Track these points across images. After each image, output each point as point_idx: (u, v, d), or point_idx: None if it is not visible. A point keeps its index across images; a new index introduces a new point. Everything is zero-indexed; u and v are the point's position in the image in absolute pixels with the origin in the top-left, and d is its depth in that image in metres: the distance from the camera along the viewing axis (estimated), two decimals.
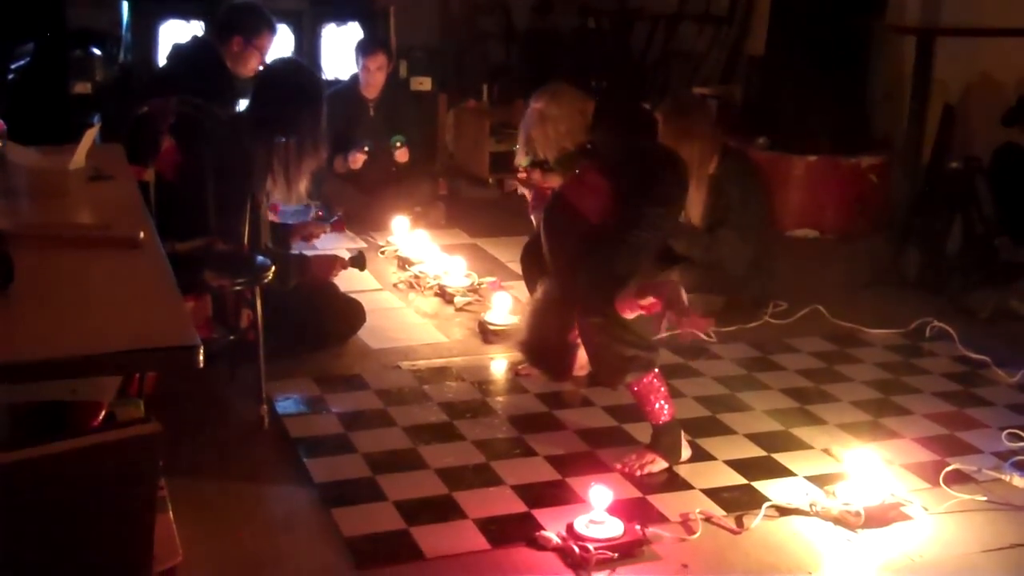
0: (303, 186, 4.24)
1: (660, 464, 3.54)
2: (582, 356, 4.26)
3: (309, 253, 4.71)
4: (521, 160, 3.82)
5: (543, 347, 3.82)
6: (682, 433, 3.61)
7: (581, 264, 3.54)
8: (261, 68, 4.86)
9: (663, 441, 3.56)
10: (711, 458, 3.65)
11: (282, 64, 4.58)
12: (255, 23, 4.99)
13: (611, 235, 3.49)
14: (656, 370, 3.52)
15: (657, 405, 3.54)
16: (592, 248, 3.51)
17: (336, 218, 5.48)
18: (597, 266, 3.50)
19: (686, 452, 3.61)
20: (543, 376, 4.12)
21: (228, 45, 4.96)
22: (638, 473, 3.50)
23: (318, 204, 6.09)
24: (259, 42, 4.99)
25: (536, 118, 3.68)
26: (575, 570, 2.97)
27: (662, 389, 3.55)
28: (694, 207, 4.97)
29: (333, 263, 4.55)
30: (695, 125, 4.93)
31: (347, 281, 5.05)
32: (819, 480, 3.50)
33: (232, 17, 5.04)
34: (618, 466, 3.55)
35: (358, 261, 4.72)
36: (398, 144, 6.40)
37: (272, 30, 5.07)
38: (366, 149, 6.30)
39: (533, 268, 4.12)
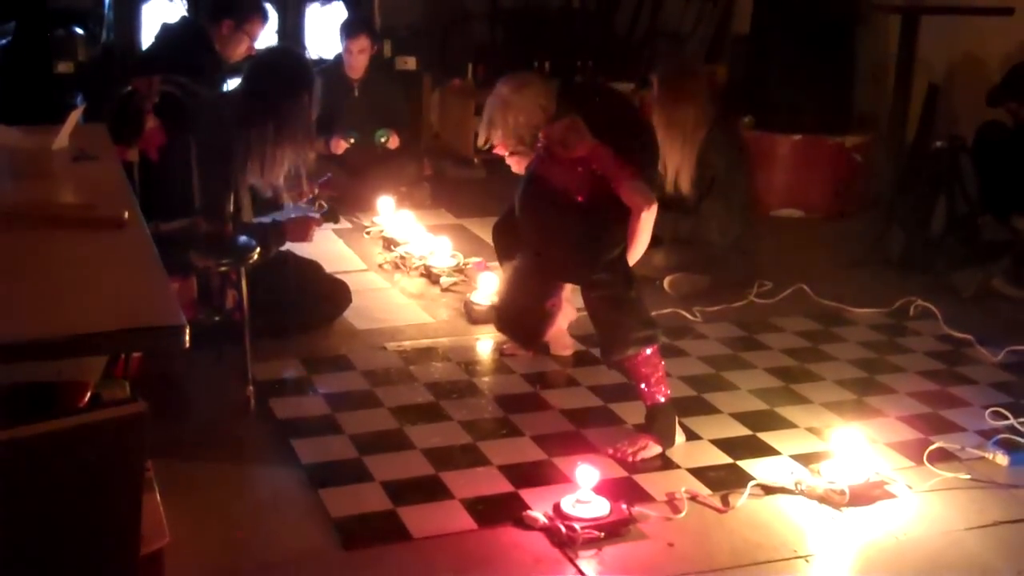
0: (280, 174, 4.22)
1: (654, 449, 3.51)
2: (566, 337, 4.28)
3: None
4: (481, 142, 3.81)
5: (515, 313, 3.86)
6: (676, 418, 3.59)
7: (570, 241, 3.54)
8: (251, 54, 4.84)
9: (657, 423, 3.53)
10: (696, 437, 3.66)
11: (275, 51, 4.57)
12: (248, 8, 4.97)
13: (594, 206, 3.47)
14: (656, 346, 3.52)
15: (654, 381, 3.51)
16: (578, 223, 3.50)
17: (327, 177, 5.40)
18: (589, 239, 3.49)
19: (680, 438, 3.58)
20: (514, 343, 4.17)
21: (218, 27, 4.94)
22: (630, 460, 3.47)
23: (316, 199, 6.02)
24: (249, 28, 4.97)
25: (499, 103, 3.67)
26: (562, 549, 2.98)
27: (661, 365, 3.54)
28: (684, 174, 4.98)
29: (308, 224, 4.51)
30: (691, 90, 4.95)
31: (333, 261, 5.04)
32: (804, 459, 3.52)
33: (226, 0, 5.02)
34: (609, 451, 3.52)
35: (331, 215, 4.77)
36: (383, 139, 6.37)
37: (264, 18, 5.05)
38: (352, 141, 6.28)
39: (505, 243, 4.13)
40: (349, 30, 6.43)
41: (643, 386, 3.54)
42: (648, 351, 3.50)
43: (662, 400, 3.54)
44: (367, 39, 6.41)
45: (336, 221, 4.94)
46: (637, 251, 3.56)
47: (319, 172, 6.14)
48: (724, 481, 3.38)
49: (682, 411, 3.74)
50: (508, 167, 3.84)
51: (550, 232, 3.62)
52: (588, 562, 2.94)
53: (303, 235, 4.47)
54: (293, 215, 4.72)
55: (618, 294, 3.51)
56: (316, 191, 5.08)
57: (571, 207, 3.52)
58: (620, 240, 3.51)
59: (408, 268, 5.29)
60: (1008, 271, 5.15)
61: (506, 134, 3.67)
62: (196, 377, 3.96)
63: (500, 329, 4.11)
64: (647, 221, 3.48)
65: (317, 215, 4.70)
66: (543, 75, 3.84)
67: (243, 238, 3.92)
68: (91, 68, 6.47)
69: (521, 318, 3.90)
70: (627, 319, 3.49)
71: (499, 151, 3.75)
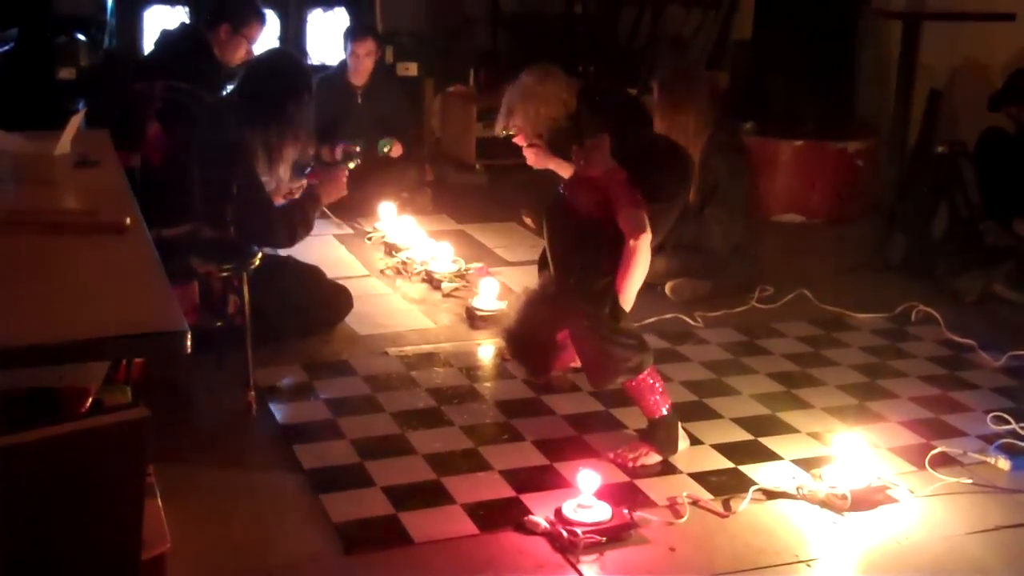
0: (284, 172, 4.24)
1: (654, 457, 3.51)
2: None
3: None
4: (498, 130, 3.78)
5: (527, 339, 3.71)
6: (679, 425, 3.57)
7: (561, 261, 3.52)
8: (249, 58, 4.85)
9: (658, 435, 3.52)
10: (698, 442, 3.65)
11: (270, 55, 4.58)
12: (244, 13, 4.98)
13: (603, 233, 3.39)
14: (651, 366, 3.47)
15: (652, 400, 3.49)
16: (572, 245, 3.47)
17: (310, 169, 5.37)
18: (588, 265, 3.43)
19: (683, 444, 3.57)
20: (524, 371, 4.04)
21: (216, 33, 4.95)
22: (630, 465, 3.47)
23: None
24: (247, 32, 4.98)
25: (521, 92, 3.65)
26: (563, 554, 2.98)
27: (657, 385, 3.49)
28: None
29: (338, 178, 4.41)
30: (692, 96, 4.95)
31: (334, 267, 5.05)
32: (806, 463, 3.52)
33: (222, 5, 5.03)
34: (610, 455, 3.52)
35: (349, 157, 4.77)
36: (386, 149, 6.36)
37: (261, 21, 5.05)
38: (358, 150, 6.26)
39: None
40: (355, 33, 6.43)
41: (641, 404, 3.53)
42: (640, 376, 3.46)
43: (663, 412, 3.52)
44: (373, 42, 6.41)
45: (359, 160, 4.92)
46: (628, 289, 3.41)
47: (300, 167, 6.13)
48: (726, 486, 3.38)
49: (684, 416, 3.73)
50: (510, 173, 3.84)
51: (553, 250, 3.59)
52: (590, 567, 2.94)
53: (338, 190, 4.37)
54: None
55: (599, 327, 3.41)
56: (303, 184, 5.06)
57: (572, 228, 3.49)
58: (608, 271, 3.39)
59: (409, 273, 5.29)
60: (1010, 276, 5.15)
61: (525, 124, 3.65)
62: (197, 382, 3.96)
63: (513, 356, 3.89)
64: (636, 251, 3.33)
65: (343, 164, 4.69)
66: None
67: (247, 246, 3.92)
68: (93, 74, 6.48)
69: (530, 346, 3.72)
70: (612, 350, 3.41)
71: (518, 141, 3.73)
